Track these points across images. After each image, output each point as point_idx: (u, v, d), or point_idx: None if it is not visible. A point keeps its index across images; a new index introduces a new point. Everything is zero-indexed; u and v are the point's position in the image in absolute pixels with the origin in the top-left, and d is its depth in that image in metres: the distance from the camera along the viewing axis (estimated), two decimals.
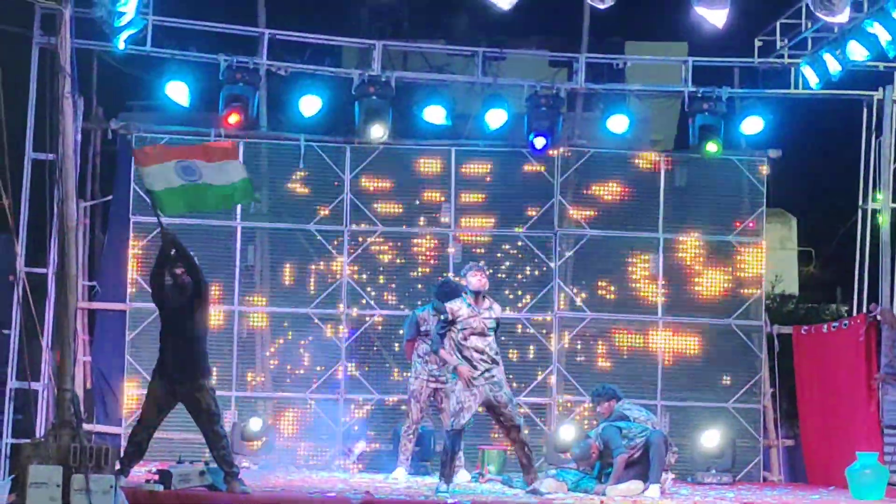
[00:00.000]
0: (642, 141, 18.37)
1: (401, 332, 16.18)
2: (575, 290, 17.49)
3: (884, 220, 16.80)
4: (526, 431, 13.25)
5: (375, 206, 17.43)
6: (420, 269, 17.47)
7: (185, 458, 13.47)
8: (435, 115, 16.97)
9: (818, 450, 16.87)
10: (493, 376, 12.83)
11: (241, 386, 16.99)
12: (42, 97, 14.46)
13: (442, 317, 13.03)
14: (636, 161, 17.75)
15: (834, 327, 16.93)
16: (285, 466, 16.08)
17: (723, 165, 17.64)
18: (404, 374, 15.95)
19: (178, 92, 16.36)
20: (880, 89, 16.99)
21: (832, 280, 21.14)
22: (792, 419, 17.70)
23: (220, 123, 16.57)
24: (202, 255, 16.43)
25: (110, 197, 17.19)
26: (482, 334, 12.83)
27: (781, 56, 17.23)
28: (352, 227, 17.34)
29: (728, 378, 17.48)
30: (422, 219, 17.52)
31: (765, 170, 17.66)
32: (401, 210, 17.50)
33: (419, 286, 17.29)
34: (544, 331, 17.34)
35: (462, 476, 14.68)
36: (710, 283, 17.61)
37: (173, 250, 12.57)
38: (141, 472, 12.95)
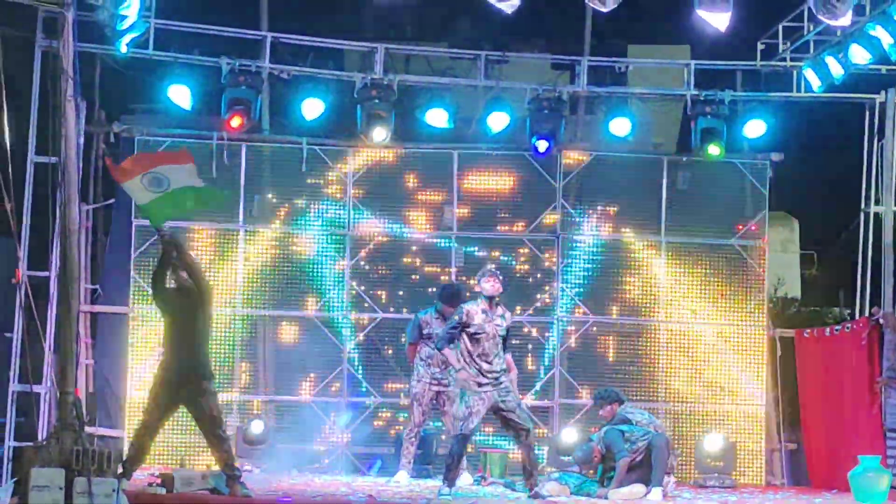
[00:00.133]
0: (645, 144, 18.36)
1: (402, 338, 16.17)
2: (577, 293, 17.48)
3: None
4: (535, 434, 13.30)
5: (378, 209, 17.42)
6: (422, 273, 17.47)
7: (188, 461, 13.50)
8: (437, 118, 16.96)
9: (821, 453, 16.86)
10: (500, 382, 12.84)
11: (244, 389, 16.98)
12: (44, 100, 14.44)
13: (456, 317, 12.95)
14: (638, 164, 17.74)
15: (836, 331, 16.93)
16: (287, 470, 16.08)
17: (725, 168, 17.65)
18: (406, 377, 15.92)
19: (180, 95, 16.35)
20: (882, 92, 16.99)
21: (834, 283, 21.13)
22: (794, 423, 17.68)
23: (222, 127, 16.58)
24: (204, 256, 16.49)
25: (112, 200, 17.18)
26: (493, 340, 12.84)
27: (784, 59, 17.22)
28: (354, 231, 17.34)
29: (730, 381, 17.46)
30: (424, 222, 17.52)
31: (767, 173, 17.66)
32: (403, 213, 17.49)
33: (421, 289, 17.28)
34: (547, 334, 17.33)
35: (464, 479, 14.68)
36: (713, 286, 17.60)
37: (175, 253, 12.58)
38: (143, 476, 12.96)
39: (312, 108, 16.72)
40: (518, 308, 17.16)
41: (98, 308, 17.02)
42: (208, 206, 13.42)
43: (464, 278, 16.71)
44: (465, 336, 12.84)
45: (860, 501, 14.06)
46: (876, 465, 14.31)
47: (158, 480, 12.47)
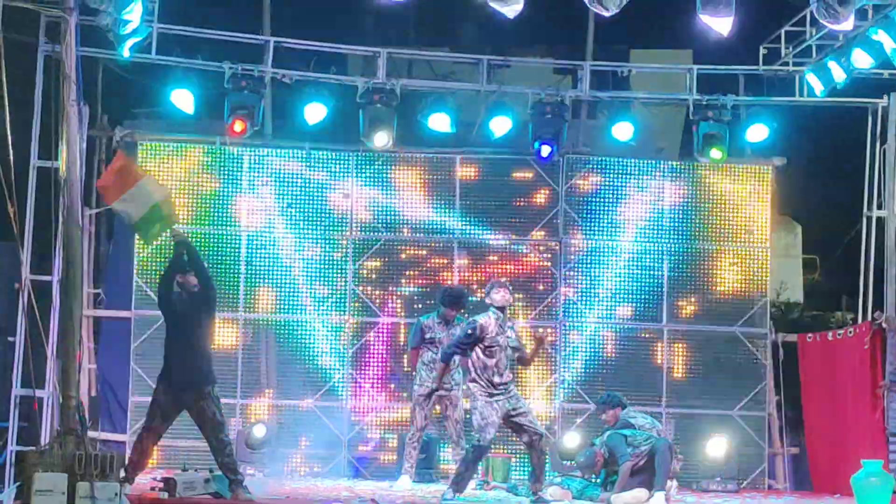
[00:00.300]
0: (647, 148, 18.35)
1: (403, 341, 16.18)
2: (579, 298, 17.48)
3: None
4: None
5: (380, 213, 17.43)
6: (425, 277, 17.47)
7: (190, 465, 13.49)
8: (440, 122, 16.96)
9: (823, 457, 16.86)
10: (510, 391, 12.87)
11: (246, 393, 16.98)
12: (47, 105, 14.44)
13: (469, 331, 12.84)
14: (641, 169, 17.74)
15: (839, 335, 16.93)
16: (290, 474, 16.08)
17: (728, 173, 17.65)
18: (409, 381, 15.92)
19: (183, 100, 16.36)
20: (885, 97, 16.98)
21: (837, 288, 21.10)
22: (797, 427, 17.68)
23: (225, 131, 16.59)
24: (205, 260, 16.49)
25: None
26: (504, 354, 12.86)
27: (786, 64, 17.21)
28: (357, 235, 17.35)
29: (733, 386, 17.46)
30: (426, 226, 17.52)
31: (769, 178, 17.67)
32: (405, 217, 17.50)
33: (424, 294, 17.29)
34: (549, 338, 17.32)
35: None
36: (715, 290, 17.61)
37: (186, 256, 12.60)
38: (146, 480, 12.97)
39: (315, 112, 16.72)
40: (521, 313, 17.16)
41: (101, 312, 17.04)
42: (173, 222, 13.29)
43: (468, 273, 16.74)
44: (478, 349, 12.80)
45: None
46: (878, 470, 14.28)
47: (161, 485, 12.47)
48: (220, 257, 16.98)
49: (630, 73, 17.82)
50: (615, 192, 17.68)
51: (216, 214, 17.15)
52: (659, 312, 17.55)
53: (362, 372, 17.20)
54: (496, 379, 12.75)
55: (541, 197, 17.59)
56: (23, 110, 14.81)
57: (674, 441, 15.44)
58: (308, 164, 17.33)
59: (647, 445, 13.87)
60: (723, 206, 17.70)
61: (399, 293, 17.45)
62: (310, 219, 17.36)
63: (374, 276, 17.42)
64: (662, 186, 17.68)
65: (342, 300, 17.27)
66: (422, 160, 17.54)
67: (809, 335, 17.55)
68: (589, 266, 17.57)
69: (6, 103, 12.25)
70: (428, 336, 14.84)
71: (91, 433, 13.37)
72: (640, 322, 17.55)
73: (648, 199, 17.67)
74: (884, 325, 15.97)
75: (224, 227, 17.10)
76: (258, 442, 16.17)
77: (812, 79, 16.69)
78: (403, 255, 17.51)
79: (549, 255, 17.54)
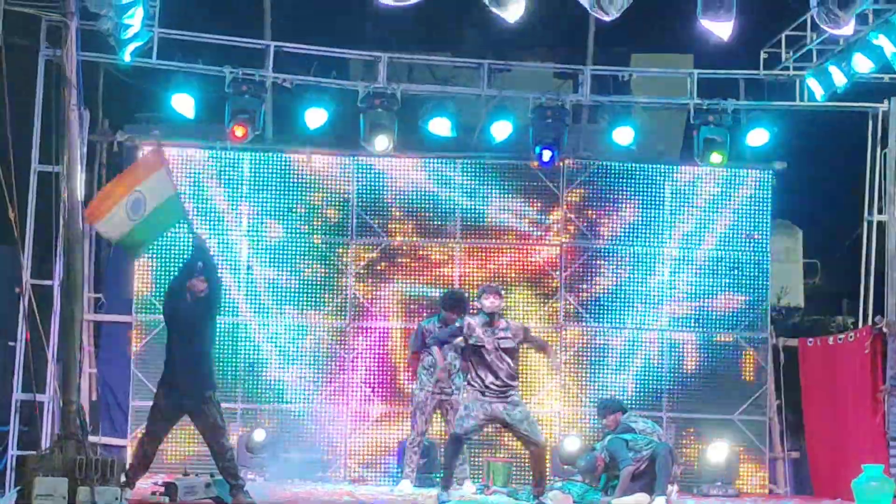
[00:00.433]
0: (648, 153, 18.35)
1: (404, 346, 16.18)
2: (580, 302, 17.48)
3: None
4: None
5: (381, 218, 17.43)
6: (425, 282, 17.46)
7: (191, 470, 13.49)
8: (440, 127, 16.96)
9: (824, 462, 16.85)
10: (507, 395, 12.89)
11: (247, 398, 16.97)
12: (48, 109, 14.46)
13: (457, 325, 13.24)
14: (641, 173, 17.75)
15: (840, 339, 16.91)
16: (290, 478, 16.07)
17: (728, 177, 17.66)
18: (410, 385, 15.91)
19: (183, 104, 16.36)
20: (886, 101, 16.97)
21: (838, 292, 21.06)
22: (798, 431, 17.67)
23: (226, 136, 16.58)
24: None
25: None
26: (497, 356, 12.89)
27: (787, 68, 17.22)
28: (357, 240, 17.35)
29: (734, 390, 17.46)
30: (427, 231, 17.52)
31: (770, 182, 17.67)
32: (406, 222, 17.50)
33: (425, 298, 17.28)
34: (549, 341, 17.30)
35: (468, 488, 14.69)
36: (716, 295, 17.60)
37: (201, 262, 12.61)
38: (147, 485, 12.96)
39: (315, 117, 16.72)
40: (522, 317, 17.15)
41: (101, 317, 17.03)
42: (179, 219, 13.33)
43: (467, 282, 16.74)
44: (468, 349, 13.01)
45: None
46: (879, 474, 14.30)
47: (162, 489, 12.48)
48: (220, 261, 16.95)
49: (631, 77, 17.83)
50: (616, 196, 17.67)
51: (216, 219, 17.14)
52: (659, 317, 17.54)
53: (362, 376, 17.19)
54: (489, 380, 12.86)
55: (541, 201, 17.58)
56: (24, 114, 14.83)
57: (674, 445, 15.45)
58: (309, 168, 17.31)
59: (647, 450, 13.88)
60: (723, 210, 17.69)
61: (399, 297, 17.43)
62: (310, 223, 17.34)
63: (374, 280, 17.41)
64: (663, 191, 17.68)
65: (343, 304, 17.26)
66: (422, 164, 17.53)
67: (810, 339, 17.54)
68: (590, 270, 17.56)
69: (7, 108, 12.26)
70: (429, 340, 14.83)
71: (92, 437, 13.34)
72: (640, 326, 17.54)
73: (649, 204, 17.66)
74: (884, 329, 15.96)
75: (224, 232, 17.09)
76: (259, 446, 16.17)
77: (813, 83, 16.70)
78: (404, 260, 17.50)
79: (550, 259, 17.52)
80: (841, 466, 15.84)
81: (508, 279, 17.39)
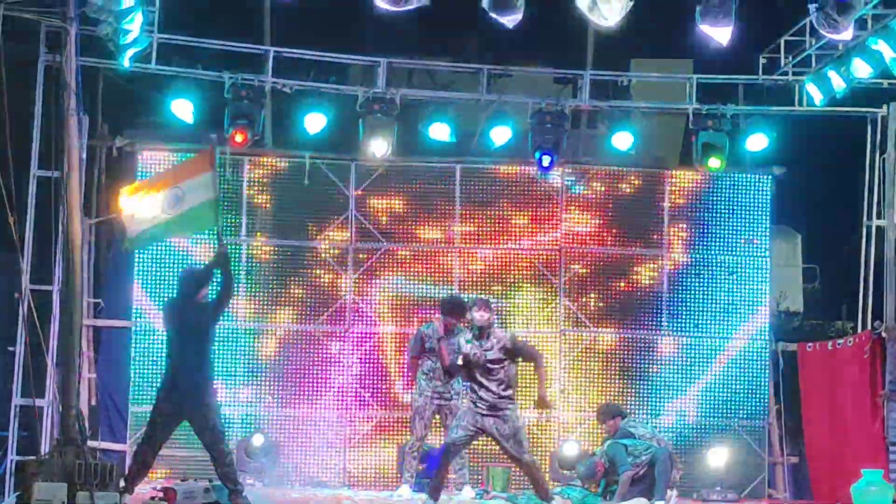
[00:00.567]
0: (647, 158, 18.36)
1: (403, 351, 16.18)
2: (579, 307, 17.48)
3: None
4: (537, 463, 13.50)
5: (380, 223, 17.44)
6: (424, 286, 17.46)
7: (190, 475, 13.49)
8: (440, 132, 16.97)
9: (823, 467, 16.85)
10: (500, 410, 12.89)
11: (246, 403, 16.97)
12: (47, 115, 14.46)
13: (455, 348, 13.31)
14: (641, 178, 17.75)
15: (839, 344, 16.93)
16: (289, 483, 16.07)
17: (727, 182, 17.66)
18: (409, 390, 15.90)
19: (183, 109, 16.37)
20: (884, 106, 16.98)
21: (837, 297, 21.08)
22: (797, 436, 17.67)
23: (225, 141, 16.59)
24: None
25: (115, 214, 17.18)
26: (485, 369, 12.90)
27: (786, 73, 17.23)
28: (356, 244, 17.35)
29: (732, 395, 17.45)
30: (426, 236, 17.52)
31: (769, 187, 17.68)
32: (405, 227, 17.50)
33: (424, 303, 17.29)
34: (549, 346, 17.32)
35: (467, 493, 14.69)
36: (715, 300, 17.59)
37: (222, 270, 12.61)
38: (146, 490, 12.96)
39: (315, 122, 16.74)
40: (520, 322, 17.16)
41: (100, 322, 17.02)
42: (210, 225, 13.38)
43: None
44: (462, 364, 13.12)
45: None
46: (879, 479, 14.31)
47: (161, 494, 12.48)
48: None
49: (630, 82, 17.84)
50: (615, 201, 17.68)
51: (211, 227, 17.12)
52: (658, 321, 17.54)
53: (362, 381, 17.18)
54: (480, 393, 12.95)
55: (540, 206, 17.58)
56: (23, 120, 14.83)
57: (674, 450, 15.45)
58: (308, 173, 17.30)
59: (647, 455, 13.88)
60: (722, 215, 17.69)
61: (398, 302, 17.42)
62: (309, 228, 17.34)
63: (373, 285, 17.40)
64: (662, 196, 17.68)
65: (341, 309, 17.25)
66: (422, 170, 17.54)
67: (809, 344, 17.54)
68: (589, 275, 17.56)
69: (6, 113, 12.26)
70: (428, 345, 14.84)
71: (91, 443, 13.35)
72: (638, 331, 17.54)
73: (648, 209, 17.66)
74: (883, 334, 15.97)
75: (224, 237, 17.06)
76: (257, 452, 16.16)
77: (811, 88, 16.71)
78: (402, 265, 17.49)
79: (549, 264, 17.52)
80: (840, 471, 15.84)
81: (507, 284, 17.40)
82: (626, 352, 17.51)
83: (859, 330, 17.01)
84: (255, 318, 17.15)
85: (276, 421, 16.97)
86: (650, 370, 17.46)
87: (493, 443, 15.60)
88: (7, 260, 15.40)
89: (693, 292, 17.61)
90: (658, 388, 17.40)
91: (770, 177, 17.73)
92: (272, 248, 17.30)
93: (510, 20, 14.10)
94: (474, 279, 17.38)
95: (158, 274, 16.79)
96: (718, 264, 17.66)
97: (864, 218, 17.17)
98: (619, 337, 17.53)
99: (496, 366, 12.91)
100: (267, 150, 17.49)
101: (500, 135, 16.98)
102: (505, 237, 17.57)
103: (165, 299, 13.26)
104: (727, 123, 16.98)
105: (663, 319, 17.55)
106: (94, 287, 17.06)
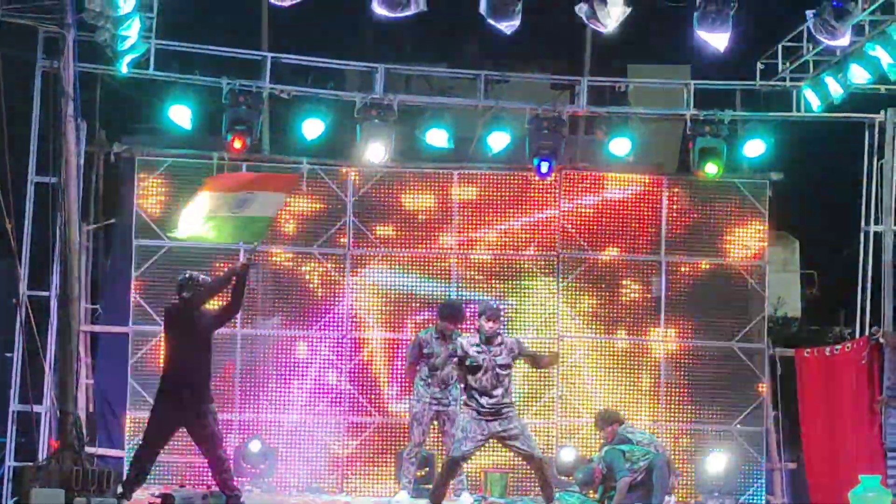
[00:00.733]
0: (644, 163, 18.36)
1: (401, 356, 16.18)
2: (577, 312, 17.48)
3: None
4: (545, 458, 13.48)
5: (378, 229, 17.43)
6: (422, 292, 17.45)
7: (188, 481, 13.48)
8: (437, 138, 16.97)
9: (821, 473, 16.84)
10: (502, 413, 12.92)
11: (243, 409, 16.96)
12: (45, 120, 14.47)
13: (450, 346, 13.45)
14: (638, 184, 17.75)
15: (837, 350, 16.92)
16: (287, 490, 16.06)
17: (725, 188, 17.66)
18: (406, 396, 15.90)
19: (180, 115, 16.38)
20: (882, 112, 17.00)
21: (835, 303, 21.11)
22: (795, 442, 17.67)
23: (223, 147, 16.58)
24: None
25: (113, 220, 17.20)
26: (494, 375, 12.92)
27: (783, 79, 17.24)
28: (354, 250, 17.35)
29: (731, 401, 17.44)
30: (424, 241, 17.52)
31: (767, 192, 17.68)
32: (403, 233, 17.50)
33: (421, 309, 17.28)
34: (547, 352, 17.29)
35: (465, 499, 14.68)
36: (713, 305, 17.58)
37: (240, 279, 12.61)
38: (143, 496, 12.95)
39: (312, 127, 16.74)
40: (518, 327, 17.15)
41: (98, 328, 17.01)
42: (255, 238, 13.46)
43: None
44: (464, 370, 13.10)
45: None
46: (876, 485, 14.32)
47: (159, 501, 12.47)
48: (219, 272, 16.95)
49: (628, 88, 17.85)
50: (612, 207, 17.67)
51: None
52: (657, 327, 17.54)
53: (360, 387, 17.17)
54: (484, 399, 12.91)
55: (539, 212, 17.58)
56: (21, 126, 14.83)
57: (671, 456, 15.45)
58: (306, 179, 17.30)
59: (645, 461, 13.89)
60: (720, 221, 17.69)
61: (396, 308, 17.42)
62: (307, 233, 17.33)
63: (370, 290, 17.40)
64: (659, 201, 17.67)
65: (339, 314, 17.25)
66: (419, 175, 17.53)
67: (807, 350, 17.54)
68: (587, 280, 17.55)
69: (3, 118, 12.27)
70: (426, 351, 14.83)
71: (88, 449, 13.35)
72: (637, 337, 17.53)
73: (645, 214, 17.66)
74: (881, 340, 15.98)
75: (223, 243, 17.06)
76: (255, 458, 16.15)
77: (809, 94, 16.73)
78: (400, 270, 17.49)
79: (547, 270, 17.52)
80: (838, 477, 15.85)
81: (505, 290, 17.39)
82: (623, 357, 17.49)
83: (857, 336, 17.01)
84: (251, 324, 17.12)
85: (274, 427, 16.95)
86: (648, 376, 17.45)
87: (491, 448, 15.74)
88: (4, 266, 15.41)
89: (691, 298, 17.59)
90: (656, 393, 17.38)
91: (767, 182, 17.73)
92: (269, 254, 17.27)
93: (508, 26, 14.12)
94: (472, 285, 17.36)
95: (156, 280, 16.75)
96: (716, 270, 17.65)
97: (862, 223, 17.17)
98: (617, 342, 17.51)
99: (505, 371, 12.96)
100: (265, 156, 17.47)
101: (498, 140, 16.98)
102: (502, 243, 17.56)
103: (167, 305, 13.21)
104: (725, 129, 16.98)
105: (661, 325, 17.54)
106: (92, 293, 17.05)
